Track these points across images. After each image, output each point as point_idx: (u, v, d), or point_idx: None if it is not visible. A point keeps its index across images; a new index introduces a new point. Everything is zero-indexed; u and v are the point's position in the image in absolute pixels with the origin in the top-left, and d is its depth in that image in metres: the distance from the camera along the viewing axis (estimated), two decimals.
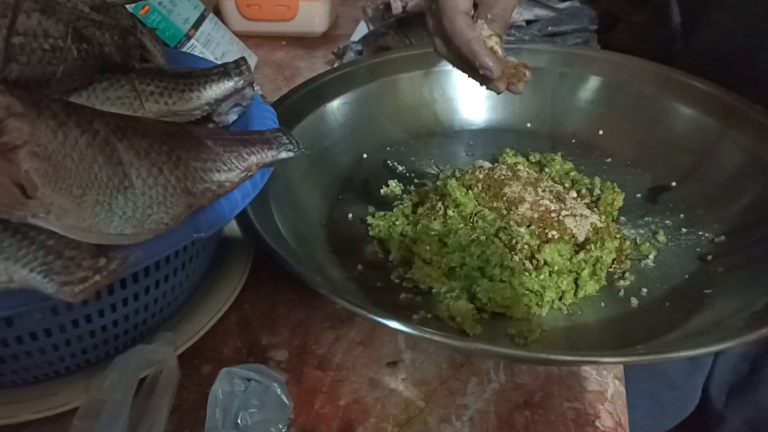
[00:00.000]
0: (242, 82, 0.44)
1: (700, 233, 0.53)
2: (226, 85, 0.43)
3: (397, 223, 0.53)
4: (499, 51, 0.46)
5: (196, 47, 0.73)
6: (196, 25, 0.74)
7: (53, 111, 0.32)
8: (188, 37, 0.73)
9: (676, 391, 0.74)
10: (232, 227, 0.51)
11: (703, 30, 0.64)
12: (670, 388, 0.73)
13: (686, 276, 0.49)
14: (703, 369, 0.71)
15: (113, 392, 0.34)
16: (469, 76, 0.49)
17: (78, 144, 0.32)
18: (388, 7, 0.88)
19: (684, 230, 0.54)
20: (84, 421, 0.33)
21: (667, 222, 0.55)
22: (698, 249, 0.52)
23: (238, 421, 0.35)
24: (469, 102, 0.67)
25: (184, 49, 0.72)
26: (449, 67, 0.66)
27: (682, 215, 0.55)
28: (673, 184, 0.58)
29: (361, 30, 0.88)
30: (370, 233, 0.54)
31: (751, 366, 0.67)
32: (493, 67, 0.45)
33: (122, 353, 0.35)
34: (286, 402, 0.36)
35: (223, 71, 0.44)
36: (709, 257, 0.50)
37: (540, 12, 0.81)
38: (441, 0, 0.45)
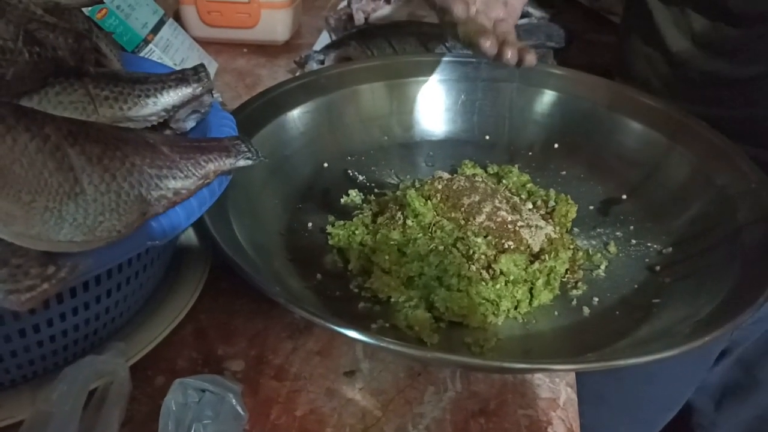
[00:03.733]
0: (201, 88, 0.44)
1: (649, 245, 0.55)
2: (183, 92, 0.43)
3: (356, 232, 0.53)
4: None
5: (154, 52, 0.72)
6: (155, 30, 0.73)
7: (2, 115, 0.31)
8: (146, 42, 0.71)
9: (665, 408, 0.75)
10: (189, 235, 0.50)
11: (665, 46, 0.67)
12: (660, 405, 0.75)
13: (636, 286, 0.51)
14: (694, 381, 0.72)
15: (61, 404, 0.33)
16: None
17: (27, 149, 0.31)
18: (350, 17, 0.89)
19: (633, 242, 0.55)
20: None
21: (618, 233, 0.56)
22: (647, 260, 0.53)
23: None
24: (429, 113, 0.68)
25: (142, 54, 0.71)
26: (410, 78, 0.68)
27: (631, 227, 0.57)
28: (624, 196, 0.60)
29: (324, 40, 0.88)
30: (330, 242, 0.54)
31: (745, 370, 0.69)
32: (460, 9, 0.50)
33: (72, 364, 0.34)
34: (241, 413, 0.36)
35: (181, 77, 0.44)
36: (658, 268, 0.52)
37: None
38: None
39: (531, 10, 0.90)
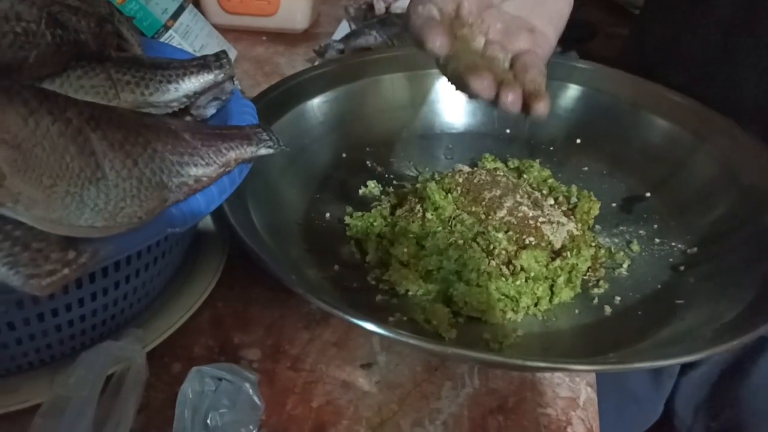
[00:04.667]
0: (222, 75, 0.43)
1: (673, 244, 0.54)
2: (205, 78, 0.42)
3: (374, 224, 0.52)
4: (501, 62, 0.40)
5: (174, 38, 0.72)
6: (175, 15, 0.72)
7: (24, 98, 0.30)
8: (166, 28, 0.71)
9: (639, 405, 0.75)
10: (207, 223, 0.50)
11: (683, 46, 0.66)
12: (634, 402, 0.74)
13: (659, 285, 0.50)
14: (667, 385, 0.72)
15: (79, 389, 0.33)
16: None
17: (49, 132, 0.31)
18: (370, 7, 0.88)
19: (657, 240, 0.54)
20: (46, 419, 0.32)
21: (641, 232, 0.55)
22: (671, 259, 0.52)
23: (208, 422, 0.34)
24: (450, 105, 0.67)
25: (161, 40, 0.70)
26: (431, 69, 0.67)
27: (655, 225, 0.56)
28: (648, 194, 0.59)
29: (343, 29, 0.88)
30: (348, 233, 0.53)
31: (711, 388, 0.69)
32: (438, 44, 0.36)
33: (89, 349, 0.34)
34: (258, 403, 0.35)
35: (203, 63, 0.43)
36: (682, 267, 0.51)
37: None
38: None
39: None
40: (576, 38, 0.82)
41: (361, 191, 0.59)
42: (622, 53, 0.77)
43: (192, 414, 0.34)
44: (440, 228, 0.50)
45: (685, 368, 0.69)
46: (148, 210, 0.33)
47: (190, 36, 0.74)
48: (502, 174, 0.54)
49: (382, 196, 0.58)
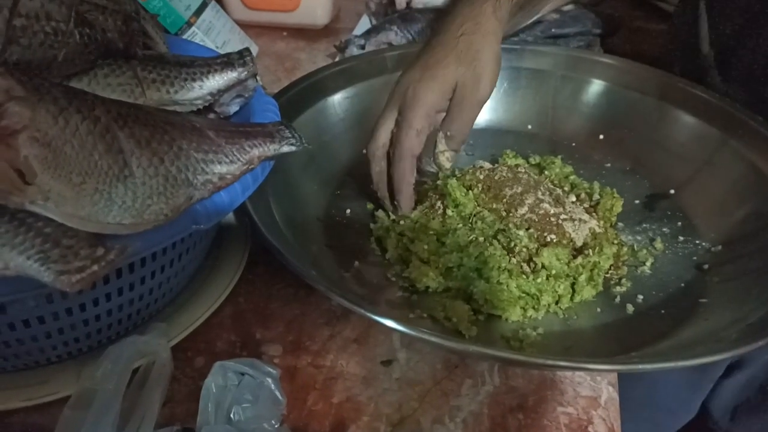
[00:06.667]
0: (245, 73, 0.43)
1: (697, 242, 0.53)
2: (229, 76, 0.43)
3: (395, 220, 0.53)
4: (447, 165, 0.52)
5: (196, 35, 0.72)
6: (198, 12, 0.73)
7: (54, 96, 0.31)
8: (189, 25, 0.72)
9: (673, 414, 0.74)
10: (229, 219, 0.51)
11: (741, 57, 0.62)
12: (668, 412, 0.74)
13: (682, 284, 0.49)
14: (705, 389, 0.71)
15: (105, 382, 0.33)
16: (374, 182, 0.53)
17: (78, 131, 0.31)
18: (391, 2, 0.88)
19: (681, 238, 0.54)
20: (75, 411, 0.32)
21: (665, 229, 0.55)
22: (695, 258, 0.52)
23: (231, 416, 0.35)
24: None
25: (184, 37, 0.71)
26: None
27: (679, 223, 0.55)
28: (672, 191, 0.58)
29: (364, 24, 0.87)
30: (371, 227, 0.54)
31: (758, 388, 0.68)
32: (405, 209, 0.52)
33: (115, 343, 0.35)
34: (280, 398, 0.36)
35: (227, 61, 0.43)
36: (706, 266, 0.50)
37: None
38: (402, 133, 0.50)
39: None
40: (599, 33, 0.81)
41: None
42: (662, 55, 0.74)
43: (215, 408, 0.35)
44: (461, 225, 0.50)
45: (731, 370, 0.68)
46: (173, 207, 0.33)
47: (213, 32, 0.74)
48: (523, 170, 0.54)
49: None
